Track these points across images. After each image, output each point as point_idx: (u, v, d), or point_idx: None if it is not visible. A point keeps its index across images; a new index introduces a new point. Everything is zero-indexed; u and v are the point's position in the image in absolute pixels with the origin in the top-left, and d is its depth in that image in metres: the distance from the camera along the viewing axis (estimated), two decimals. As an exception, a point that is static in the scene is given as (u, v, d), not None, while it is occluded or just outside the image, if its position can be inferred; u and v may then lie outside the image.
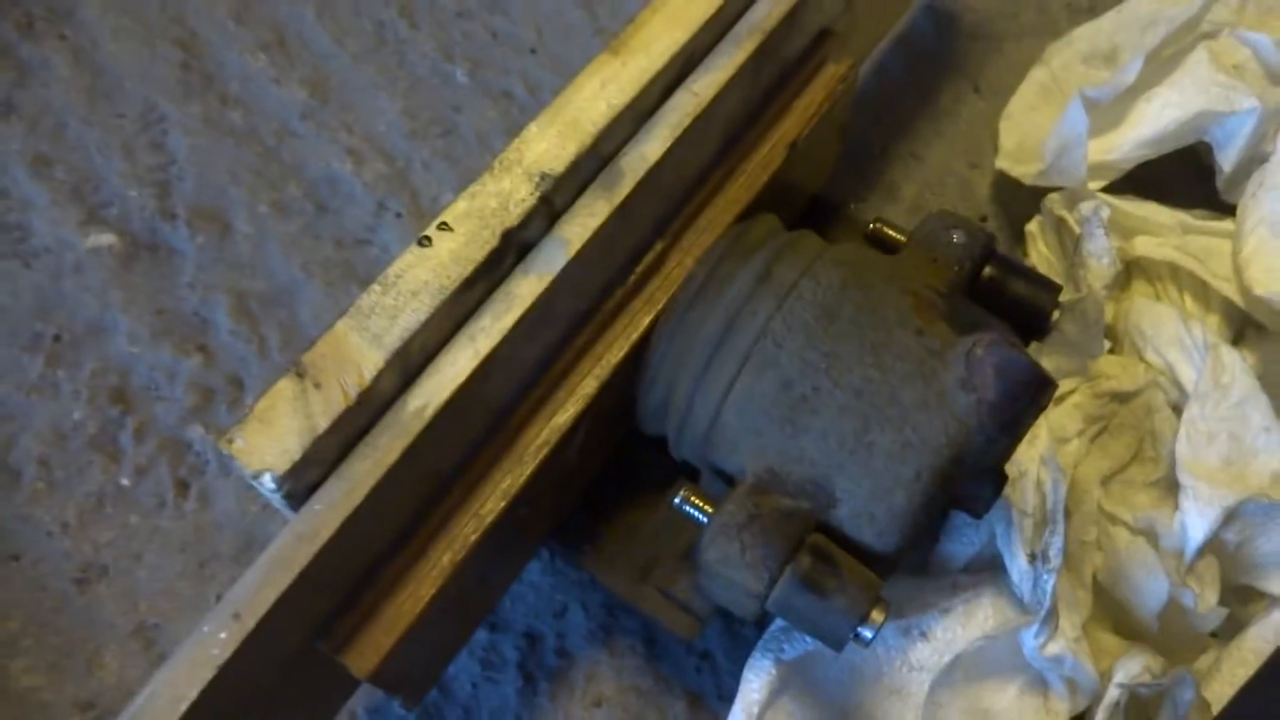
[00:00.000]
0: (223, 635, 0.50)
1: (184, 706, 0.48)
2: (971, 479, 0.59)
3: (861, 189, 0.94)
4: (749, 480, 0.58)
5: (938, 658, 0.70)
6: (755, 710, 0.67)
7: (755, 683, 0.68)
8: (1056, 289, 0.68)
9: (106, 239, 0.89)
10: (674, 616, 0.67)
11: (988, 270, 0.68)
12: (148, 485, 0.80)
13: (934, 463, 0.56)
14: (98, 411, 0.82)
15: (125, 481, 0.80)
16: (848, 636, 0.55)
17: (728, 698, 0.74)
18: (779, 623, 0.71)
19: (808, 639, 0.70)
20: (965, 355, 0.57)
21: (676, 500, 0.59)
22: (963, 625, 0.70)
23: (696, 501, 0.59)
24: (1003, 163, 0.94)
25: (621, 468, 0.71)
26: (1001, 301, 0.67)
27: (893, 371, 0.58)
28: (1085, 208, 0.82)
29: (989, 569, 0.73)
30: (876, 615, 0.55)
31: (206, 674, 0.49)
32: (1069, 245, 0.86)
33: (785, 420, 0.59)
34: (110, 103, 0.95)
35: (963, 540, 0.74)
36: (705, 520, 0.59)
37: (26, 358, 0.84)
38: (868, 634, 0.55)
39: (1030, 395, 0.56)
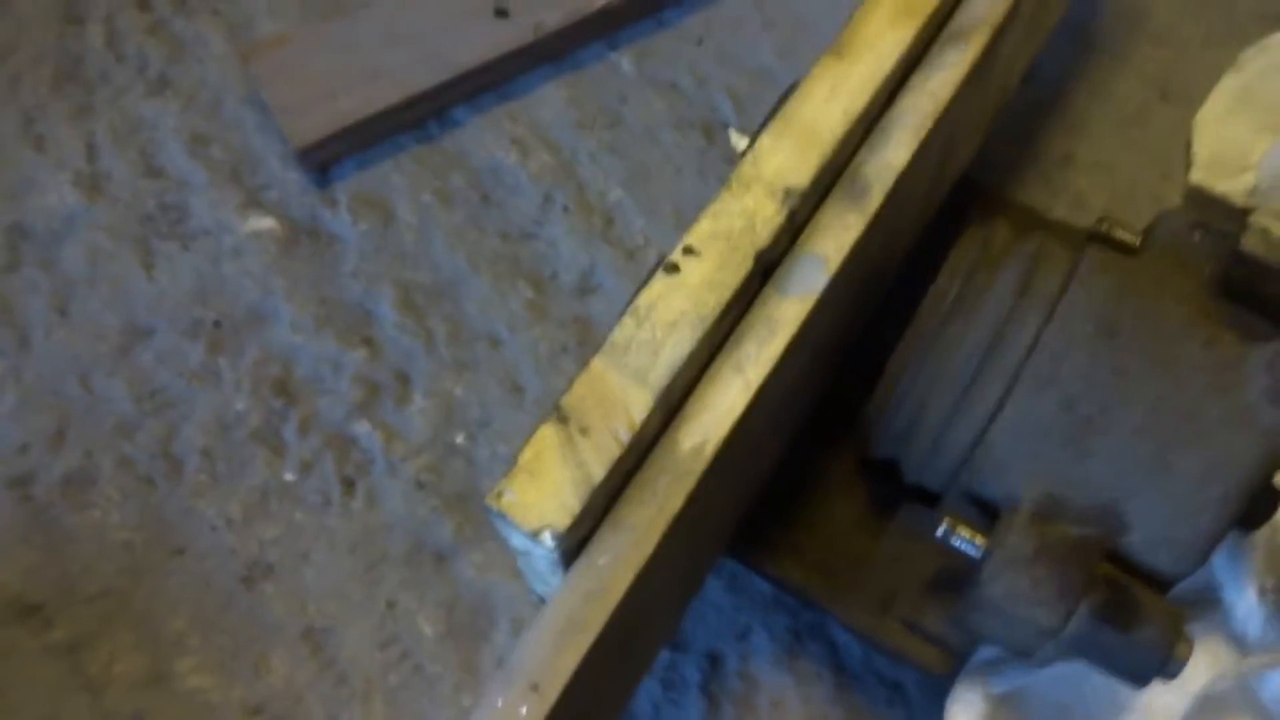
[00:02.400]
0: (523, 710, 0.46)
1: None
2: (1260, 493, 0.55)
3: (1049, 198, 0.90)
4: (1027, 507, 0.55)
5: (1149, 698, 0.66)
6: (967, 748, 0.63)
7: (964, 717, 0.64)
8: None
9: (266, 223, 0.86)
10: (922, 651, 0.63)
11: (1232, 266, 0.63)
12: (313, 482, 0.77)
13: (1244, 482, 0.53)
14: (261, 403, 0.79)
15: (290, 477, 0.77)
16: (1154, 673, 0.52)
17: (921, 733, 0.71)
18: (983, 654, 0.67)
19: (1014, 673, 0.66)
20: (1265, 363, 0.53)
21: (941, 532, 0.56)
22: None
23: (965, 533, 0.55)
24: (1199, 175, 0.88)
25: (835, 491, 0.67)
26: (1252, 302, 0.62)
27: (1188, 386, 0.54)
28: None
29: (1200, 604, 0.69)
30: (1183, 649, 0.51)
31: None
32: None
33: (1068, 442, 0.55)
34: (266, 82, 0.92)
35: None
36: (975, 552, 0.55)
37: (187, 344, 0.81)
38: (1174, 669, 0.51)
39: None
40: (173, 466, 0.77)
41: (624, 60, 0.94)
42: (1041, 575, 0.53)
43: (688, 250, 0.56)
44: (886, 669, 0.72)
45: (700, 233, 0.56)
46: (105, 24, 0.94)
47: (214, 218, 0.86)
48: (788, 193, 0.57)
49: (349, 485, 0.77)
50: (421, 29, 0.90)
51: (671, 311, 0.53)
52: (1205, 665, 0.65)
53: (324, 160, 0.87)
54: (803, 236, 0.58)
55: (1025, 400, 0.56)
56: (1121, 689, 0.66)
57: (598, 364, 0.52)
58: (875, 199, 0.59)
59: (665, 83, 0.93)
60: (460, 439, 0.78)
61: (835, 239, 0.58)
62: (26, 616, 0.73)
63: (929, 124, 0.62)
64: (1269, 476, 0.54)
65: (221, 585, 0.74)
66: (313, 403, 0.79)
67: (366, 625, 0.73)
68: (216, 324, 0.82)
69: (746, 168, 0.59)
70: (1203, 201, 0.88)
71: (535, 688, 0.46)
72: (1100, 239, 0.68)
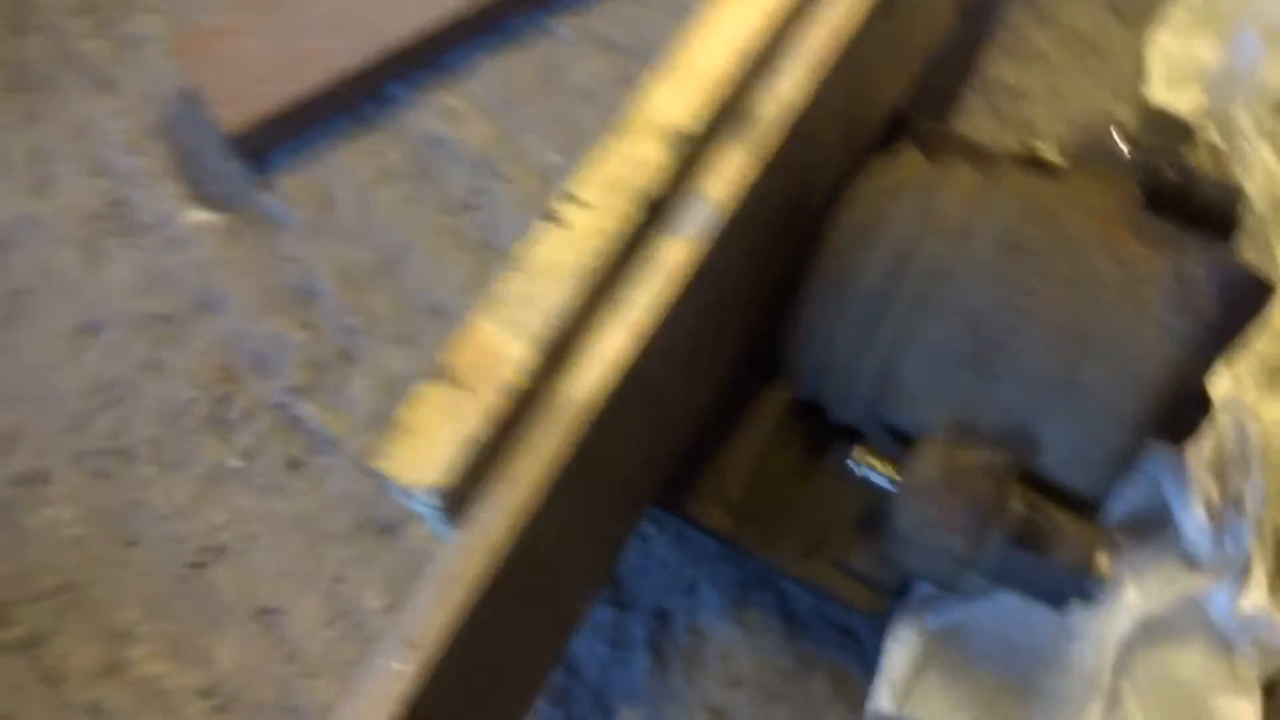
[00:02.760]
0: (402, 669, 0.45)
1: None
2: (1179, 405, 0.53)
3: (998, 130, 0.87)
4: (936, 435, 0.53)
5: (1099, 625, 0.64)
6: (900, 684, 0.62)
7: (899, 655, 0.63)
8: (1238, 190, 0.61)
9: (207, 214, 0.86)
10: (853, 591, 0.62)
11: (1160, 180, 0.61)
12: (259, 465, 0.77)
13: (1154, 394, 0.51)
14: (206, 391, 0.80)
15: (235, 462, 0.77)
16: (1072, 594, 0.51)
17: (874, 674, 0.69)
18: (921, 589, 0.66)
19: (951, 608, 0.65)
20: (1175, 274, 0.51)
21: (850, 464, 0.55)
22: (1126, 589, 0.64)
23: (874, 464, 0.54)
24: (1153, 93, 0.86)
25: (766, 436, 0.66)
26: (1180, 212, 0.60)
27: (1095, 301, 0.52)
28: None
29: (1149, 525, 0.67)
30: (1103, 563, 0.50)
31: (393, 710, 0.45)
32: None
33: (975, 366, 0.53)
34: (206, 76, 0.93)
35: (1117, 495, 0.67)
36: (888, 484, 0.54)
37: (135, 338, 0.82)
38: (1095, 587, 0.50)
39: (1253, 306, 0.51)
40: (123, 460, 0.78)
41: (561, 25, 0.93)
42: (951, 502, 0.52)
43: (571, 199, 0.55)
44: (836, 614, 0.70)
45: (584, 180, 0.55)
46: (49, 31, 0.95)
47: (156, 213, 0.87)
48: (675, 135, 0.56)
49: (294, 466, 0.77)
50: (353, 8, 0.89)
51: (552, 262, 0.52)
52: (1157, 587, 0.63)
53: (259, 147, 0.87)
54: (693, 178, 0.57)
55: (929, 326, 0.54)
56: (1068, 617, 0.64)
57: (477, 319, 0.51)
58: (767, 136, 0.57)
59: (603, 43, 0.92)
60: (403, 413, 0.78)
61: (725, 179, 0.56)
62: (-14, 616, 0.74)
63: (826, 57, 0.60)
64: (1179, 387, 0.52)
65: (172, 573, 0.74)
66: (257, 387, 0.80)
67: (315, 603, 0.73)
68: (163, 317, 0.83)
69: (633, 111, 0.58)
70: (1157, 119, 0.86)
71: (412, 645, 0.46)
72: (1024, 161, 0.66)
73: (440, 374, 0.50)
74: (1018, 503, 0.52)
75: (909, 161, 0.60)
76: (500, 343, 0.50)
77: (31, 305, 0.84)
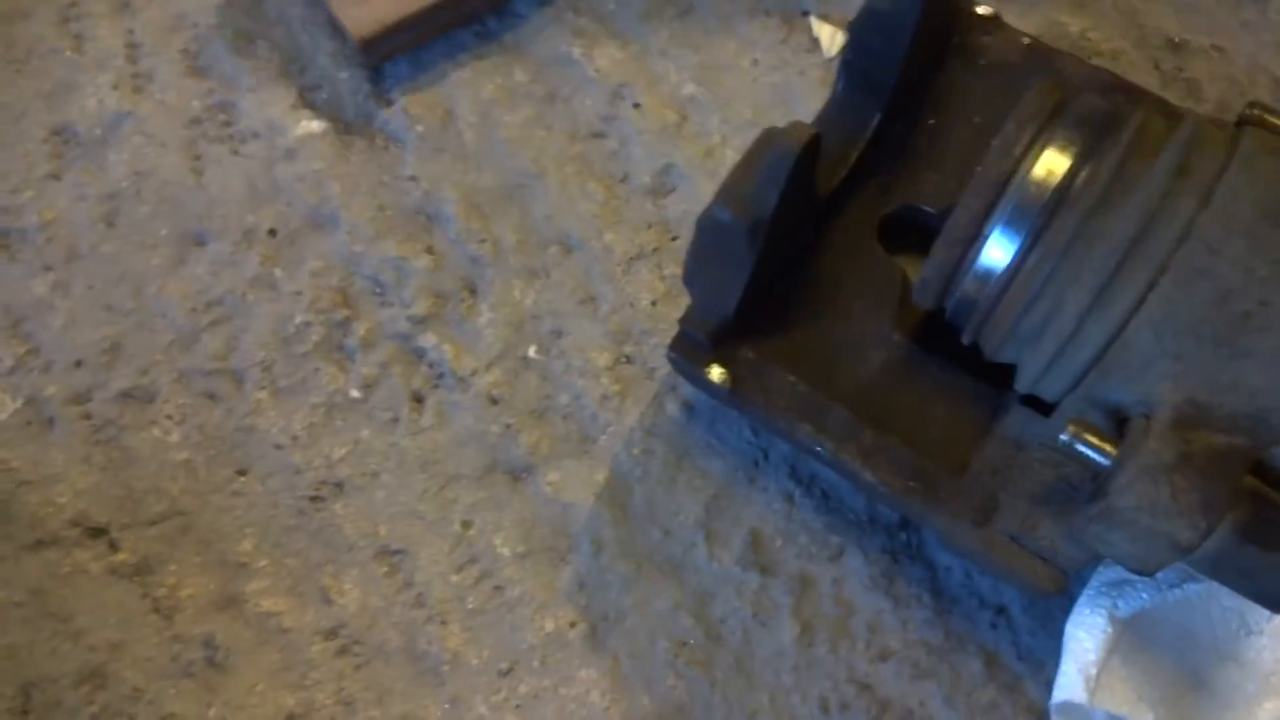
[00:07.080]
0: None
1: None
2: None
3: (1159, 87, 0.83)
4: (1167, 412, 0.50)
5: (1278, 621, 0.62)
6: (1092, 671, 0.59)
7: (1089, 640, 0.61)
8: None
9: (318, 125, 0.81)
10: (1032, 567, 0.59)
11: None
12: (380, 398, 0.73)
13: None
14: (321, 314, 0.75)
15: (355, 393, 0.73)
16: None
17: (1026, 658, 0.67)
18: (1108, 574, 0.63)
19: (1140, 595, 0.62)
20: None
21: (1065, 439, 0.51)
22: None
23: (1091, 439, 0.51)
24: (1327, 58, 0.81)
25: (932, 396, 0.63)
26: None
27: None
28: None
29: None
30: None
31: None
32: None
33: (1220, 341, 0.50)
34: (313, -27, 0.86)
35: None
36: (1104, 461, 0.50)
37: (242, 253, 0.77)
38: None
39: None
40: (232, 383, 0.74)
41: (695, -57, 0.87)
42: (1183, 486, 0.48)
43: None
44: (989, 592, 0.68)
45: None
46: (141, -88, 0.88)
47: (264, 119, 0.81)
48: None
49: (417, 401, 0.73)
50: (478, -88, 0.83)
51: None
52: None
53: (380, 56, 0.81)
54: None
55: (1173, 293, 0.50)
56: (1250, 612, 0.62)
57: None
58: None
59: (740, -34, 0.86)
60: (532, 351, 0.74)
61: None
62: (91, 539, 0.70)
63: None
64: None
65: (288, 505, 0.71)
66: (375, 315, 0.75)
67: (442, 546, 0.70)
68: (271, 232, 0.78)
69: None
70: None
71: None
72: (1252, 125, 0.61)
73: None
74: (1249, 495, 0.49)
75: (1159, 124, 0.56)
76: None
77: (131, 210, 0.78)
